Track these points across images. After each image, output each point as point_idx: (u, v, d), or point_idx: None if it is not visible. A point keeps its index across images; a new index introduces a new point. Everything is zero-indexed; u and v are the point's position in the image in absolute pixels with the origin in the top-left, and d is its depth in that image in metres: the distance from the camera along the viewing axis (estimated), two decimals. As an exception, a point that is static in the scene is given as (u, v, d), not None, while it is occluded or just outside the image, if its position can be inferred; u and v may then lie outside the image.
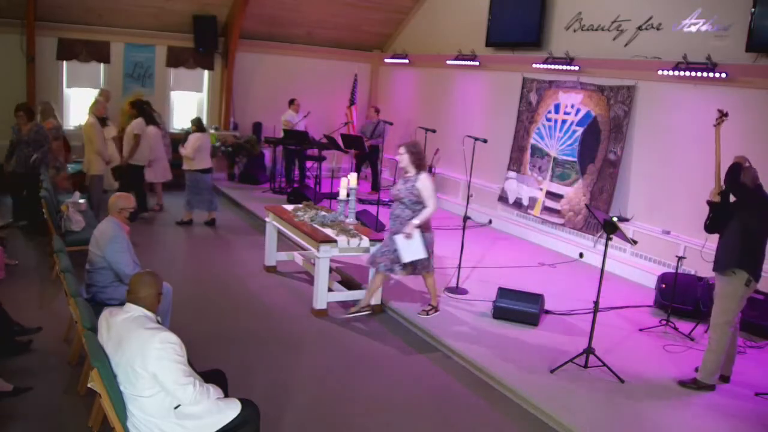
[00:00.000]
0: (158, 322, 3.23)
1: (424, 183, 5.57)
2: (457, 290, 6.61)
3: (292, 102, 11.68)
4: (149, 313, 3.21)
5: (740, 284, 4.73)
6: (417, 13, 12.43)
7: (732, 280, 4.76)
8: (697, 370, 4.98)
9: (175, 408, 3.09)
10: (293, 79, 12.69)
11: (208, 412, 3.14)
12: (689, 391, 4.84)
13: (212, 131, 12.02)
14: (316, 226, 6.31)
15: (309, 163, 12.11)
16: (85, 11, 10.50)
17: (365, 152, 11.40)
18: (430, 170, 10.85)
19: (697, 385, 4.88)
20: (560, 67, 8.80)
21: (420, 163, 5.63)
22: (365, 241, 6.03)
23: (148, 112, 8.97)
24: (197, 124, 8.77)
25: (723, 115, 5.18)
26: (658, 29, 7.63)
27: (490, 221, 9.98)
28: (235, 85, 12.12)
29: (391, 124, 11.78)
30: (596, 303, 5.06)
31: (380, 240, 6.16)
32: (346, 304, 6.32)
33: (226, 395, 3.44)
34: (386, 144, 11.66)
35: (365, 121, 12.14)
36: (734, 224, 4.80)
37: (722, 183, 4.99)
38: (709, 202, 5.11)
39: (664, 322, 6.14)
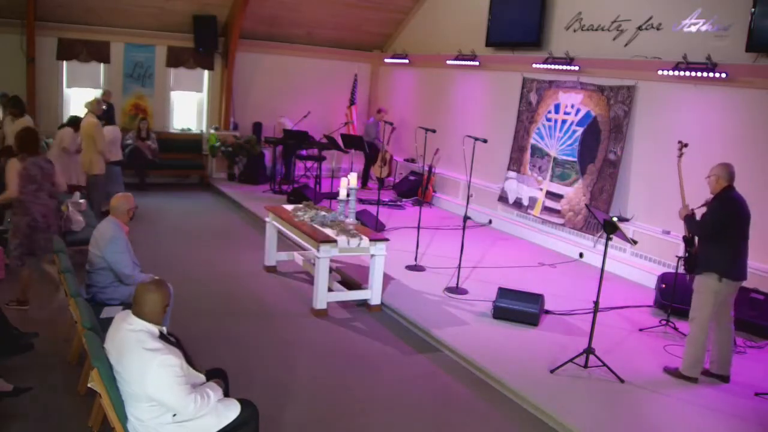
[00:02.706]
0: (161, 333, 3.17)
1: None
2: (457, 290, 6.61)
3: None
4: (152, 328, 3.12)
5: (712, 281, 4.86)
6: (417, 13, 12.43)
7: (703, 277, 4.93)
8: None
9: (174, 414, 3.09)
10: (293, 79, 12.70)
11: (207, 415, 3.14)
12: (689, 391, 4.84)
13: (212, 131, 12.04)
14: (316, 226, 6.31)
15: (309, 163, 12.14)
16: (85, 11, 10.50)
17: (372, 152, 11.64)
18: (430, 170, 10.88)
19: (680, 376, 4.97)
20: (560, 67, 8.80)
21: (19, 147, 5.41)
22: (365, 241, 6.03)
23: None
24: (106, 118, 8.71)
25: (684, 146, 5.42)
26: (658, 29, 7.63)
27: (490, 221, 9.98)
28: (235, 85, 12.12)
29: (392, 124, 11.81)
30: (596, 303, 5.06)
31: (381, 240, 6.17)
32: (346, 304, 6.32)
33: (227, 395, 3.44)
34: (384, 144, 11.69)
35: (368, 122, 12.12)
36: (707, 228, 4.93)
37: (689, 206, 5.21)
38: (684, 238, 5.31)
39: (664, 322, 6.14)
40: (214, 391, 3.23)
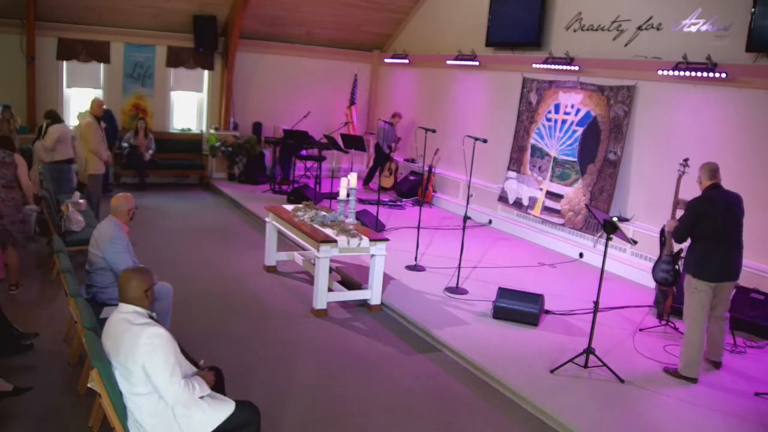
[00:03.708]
0: (151, 317, 3.25)
1: None
2: (457, 290, 6.61)
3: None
4: (140, 309, 3.23)
5: (691, 280, 4.99)
6: (417, 13, 12.43)
7: (686, 277, 5.07)
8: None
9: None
10: (293, 79, 12.70)
11: (200, 411, 3.14)
12: (688, 391, 4.84)
13: (212, 131, 12.04)
14: (316, 226, 6.30)
15: (309, 163, 12.13)
16: (85, 11, 10.51)
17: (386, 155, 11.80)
18: (430, 170, 10.88)
19: (679, 376, 5.00)
20: (560, 67, 8.80)
21: None
22: (365, 241, 6.03)
23: None
24: (52, 117, 8.67)
25: (687, 165, 5.60)
26: (658, 29, 7.63)
27: (490, 221, 9.98)
28: (235, 85, 12.12)
29: (392, 125, 11.82)
30: (596, 303, 5.06)
31: (381, 240, 6.16)
32: (346, 304, 6.33)
33: (224, 393, 3.44)
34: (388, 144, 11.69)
35: (385, 126, 11.90)
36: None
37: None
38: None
39: (664, 322, 6.14)
40: (200, 385, 3.22)
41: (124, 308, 3.22)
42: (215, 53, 11.93)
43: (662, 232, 5.93)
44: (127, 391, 3.09)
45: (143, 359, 3.01)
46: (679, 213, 5.44)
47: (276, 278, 7.05)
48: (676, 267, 5.98)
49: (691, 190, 5.57)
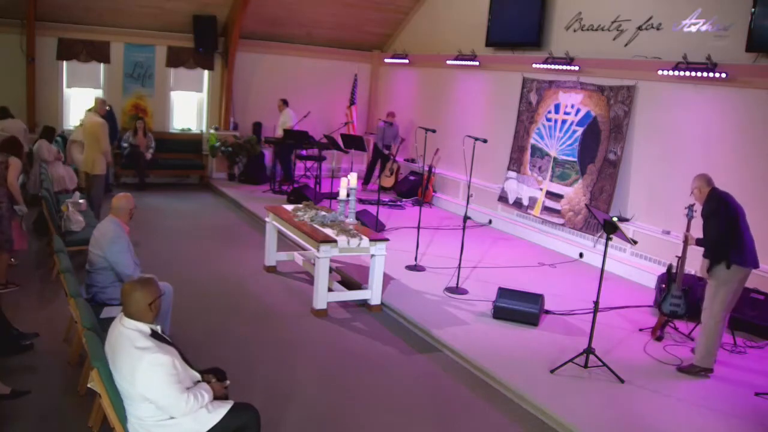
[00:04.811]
0: (153, 331, 3.14)
1: None
2: (457, 290, 6.61)
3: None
4: (142, 326, 3.10)
5: (721, 271, 4.97)
6: (417, 13, 12.43)
7: (714, 270, 5.03)
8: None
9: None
10: (293, 79, 12.70)
11: (204, 412, 3.14)
12: (688, 391, 4.84)
13: (212, 131, 12.04)
14: (316, 226, 6.31)
15: (309, 163, 12.13)
16: (85, 11, 10.51)
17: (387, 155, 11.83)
18: (430, 170, 10.88)
19: (695, 370, 5.04)
20: (560, 67, 8.80)
21: None
22: (365, 241, 6.03)
23: None
24: (1, 112, 8.62)
25: (694, 210, 5.62)
26: (658, 29, 7.63)
27: (490, 221, 9.98)
28: (235, 85, 12.12)
29: (391, 125, 11.83)
30: (596, 303, 5.06)
31: (381, 240, 6.16)
32: (346, 304, 6.33)
33: (226, 396, 3.44)
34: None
35: (384, 126, 11.91)
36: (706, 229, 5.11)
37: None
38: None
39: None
40: (207, 393, 3.20)
41: (128, 323, 3.09)
42: (215, 53, 11.93)
43: (669, 268, 5.89)
44: (127, 398, 3.07)
45: (143, 387, 2.96)
46: (690, 249, 5.55)
47: (276, 278, 7.05)
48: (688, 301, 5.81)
49: (691, 174, 5.58)
